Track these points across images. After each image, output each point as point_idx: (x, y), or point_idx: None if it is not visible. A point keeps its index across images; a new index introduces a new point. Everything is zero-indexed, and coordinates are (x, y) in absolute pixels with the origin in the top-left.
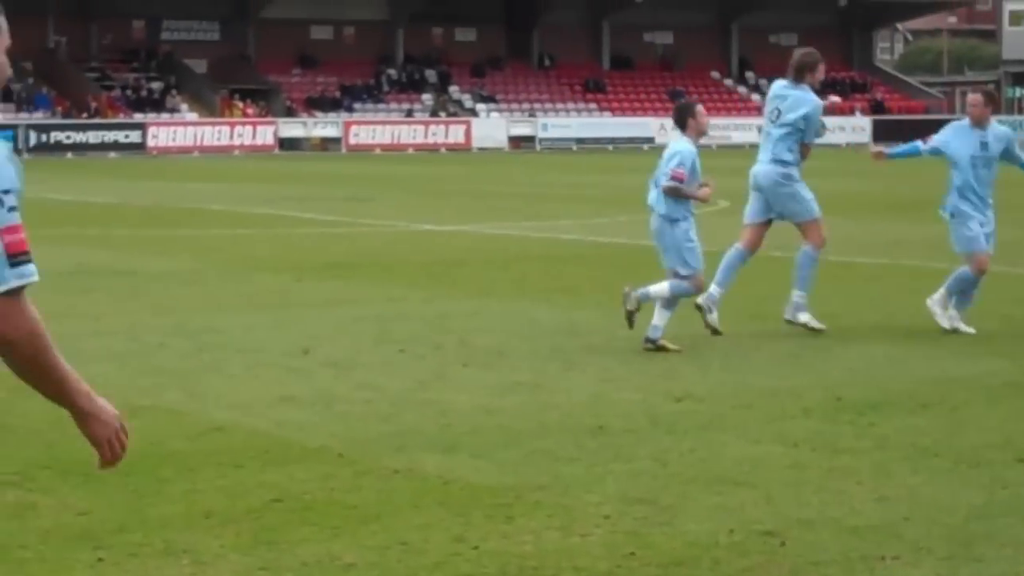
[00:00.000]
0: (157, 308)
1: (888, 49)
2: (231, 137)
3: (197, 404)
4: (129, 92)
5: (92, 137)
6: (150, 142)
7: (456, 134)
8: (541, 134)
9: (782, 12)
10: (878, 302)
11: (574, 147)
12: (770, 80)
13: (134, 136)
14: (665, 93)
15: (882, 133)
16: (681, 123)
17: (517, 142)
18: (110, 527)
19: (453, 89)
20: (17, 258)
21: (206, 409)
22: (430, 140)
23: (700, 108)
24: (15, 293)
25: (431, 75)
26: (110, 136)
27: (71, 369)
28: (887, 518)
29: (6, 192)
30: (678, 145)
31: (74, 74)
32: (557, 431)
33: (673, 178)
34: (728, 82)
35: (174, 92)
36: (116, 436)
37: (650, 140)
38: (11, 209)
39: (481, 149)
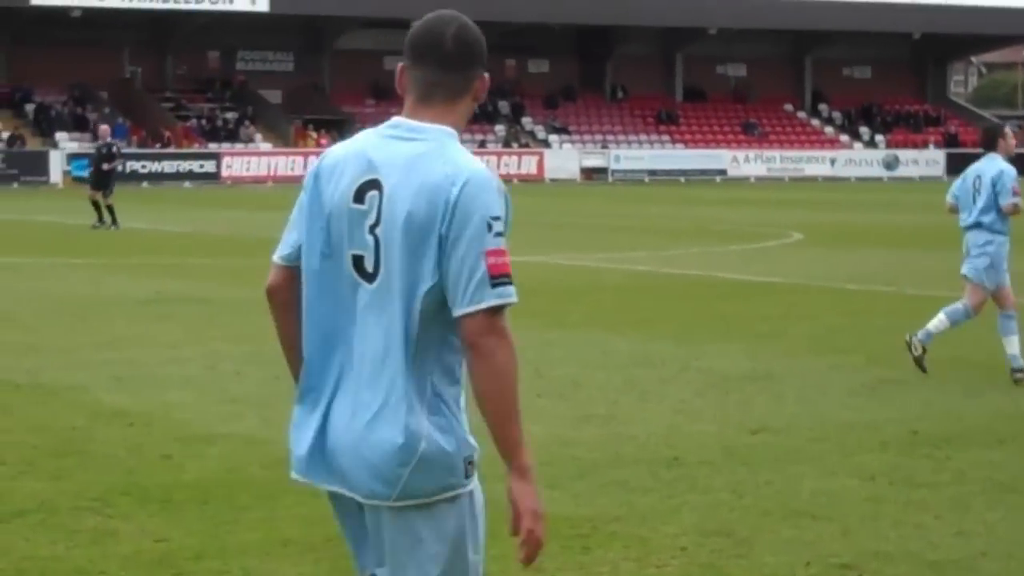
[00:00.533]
0: (233, 336)
1: (962, 82)
2: (305, 167)
3: (274, 432)
4: (204, 122)
5: (167, 167)
6: (224, 172)
7: (528, 165)
8: (613, 165)
9: (856, 45)
10: (955, 335)
11: (646, 179)
12: (844, 112)
13: (209, 166)
14: (738, 125)
15: (956, 166)
16: (991, 144)
17: (589, 173)
18: (189, 554)
19: (526, 120)
20: (498, 279)
21: (284, 437)
22: (502, 171)
23: (1008, 130)
24: (496, 312)
25: (504, 106)
26: (185, 166)
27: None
28: (965, 553)
29: (495, 219)
30: (998, 164)
31: (150, 104)
32: (632, 462)
33: (1015, 193)
34: (801, 114)
35: (248, 122)
36: (536, 519)
37: (723, 172)
38: (497, 234)
39: (553, 180)
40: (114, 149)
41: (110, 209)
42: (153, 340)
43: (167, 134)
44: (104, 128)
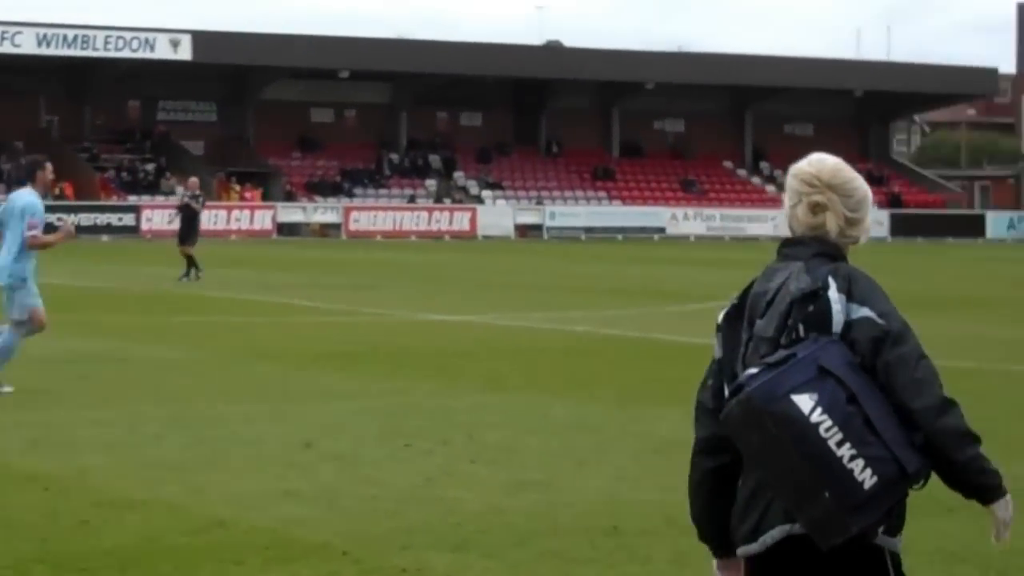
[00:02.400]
0: (155, 397)
1: (905, 141)
2: (228, 221)
3: (196, 498)
4: (124, 174)
5: (84, 219)
6: (144, 225)
7: (461, 221)
8: (548, 222)
9: (797, 102)
10: None
11: (582, 236)
12: (785, 170)
13: (127, 219)
14: (676, 182)
15: (900, 227)
16: None
17: (523, 230)
18: None
19: (458, 175)
20: None
21: (206, 503)
22: (433, 227)
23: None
24: None
25: (435, 160)
26: (103, 218)
27: None
28: None
29: None
30: None
31: (67, 155)
32: (570, 531)
33: None
34: (741, 172)
35: (168, 174)
36: None
37: (660, 230)
38: None
39: (486, 237)
40: (201, 200)
41: (191, 259)
42: (70, 401)
43: (59, 187)
44: (193, 180)
